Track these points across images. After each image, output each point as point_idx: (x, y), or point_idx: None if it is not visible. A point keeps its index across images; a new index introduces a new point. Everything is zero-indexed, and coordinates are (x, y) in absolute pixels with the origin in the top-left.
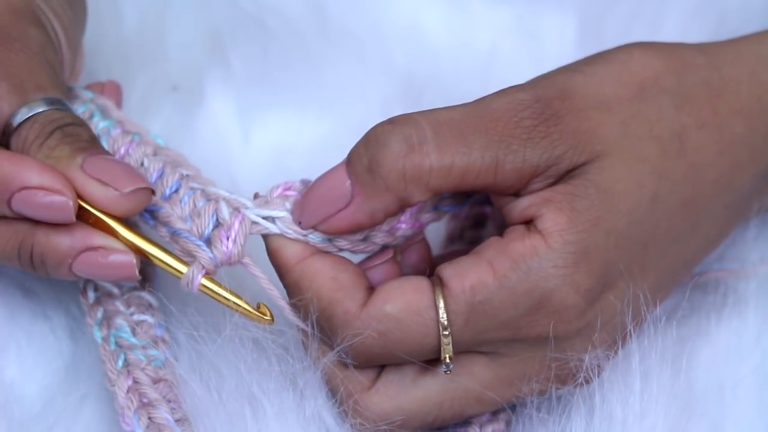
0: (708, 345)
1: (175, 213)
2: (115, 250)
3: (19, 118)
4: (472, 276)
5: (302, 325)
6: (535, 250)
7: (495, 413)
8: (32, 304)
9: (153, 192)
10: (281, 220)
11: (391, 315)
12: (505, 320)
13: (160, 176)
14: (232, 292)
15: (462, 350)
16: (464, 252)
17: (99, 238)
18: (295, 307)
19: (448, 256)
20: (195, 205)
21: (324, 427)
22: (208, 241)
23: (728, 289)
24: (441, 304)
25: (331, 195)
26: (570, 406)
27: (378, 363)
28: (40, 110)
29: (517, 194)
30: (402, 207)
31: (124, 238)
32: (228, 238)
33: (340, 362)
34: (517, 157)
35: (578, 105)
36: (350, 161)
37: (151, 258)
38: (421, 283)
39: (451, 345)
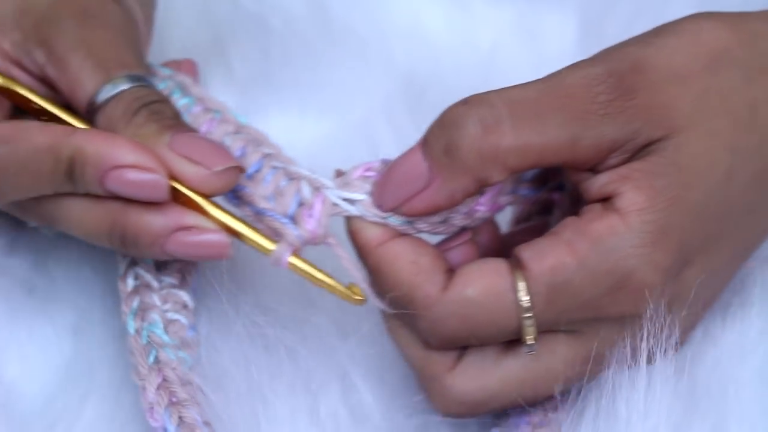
0: (712, 345)
1: (258, 192)
2: (208, 229)
3: (103, 96)
4: (551, 257)
5: (384, 307)
6: (613, 230)
7: (548, 416)
8: (34, 302)
9: (242, 170)
10: (361, 203)
11: (472, 299)
12: (585, 300)
13: (242, 155)
14: (321, 271)
15: (543, 330)
16: (534, 229)
17: (191, 218)
18: (378, 290)
19: (517, 235)
20: (278, 185)
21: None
22: (293, 220)
23: (733, 290)
24: (521, 286)
25: (409, 178)
26: (575, 403)
27: (460, 345)
28: (125, 87)
29: (593, 170)
30: (480, 188)
31: (214, 217)
32: (311, 217)
33: (422, 344)
34: (595, 133)
35: (652, 78)
36: (427, 144)
37: (241, 236)
38: (501, 266)
39: (533, 327)
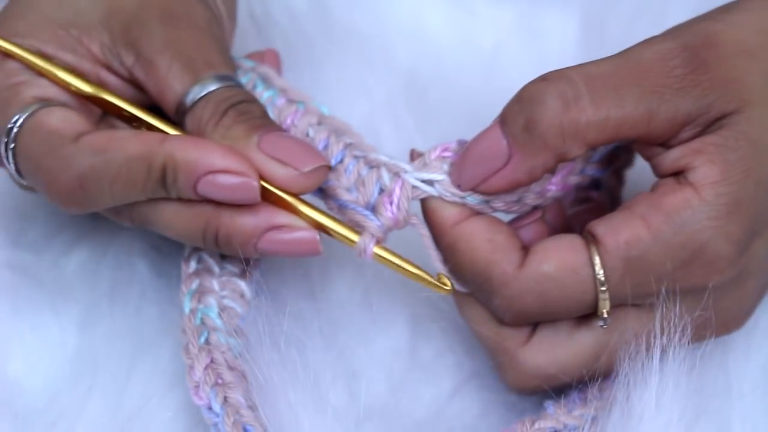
0: (719, 344)
1: (341, 184)
2: (298, 227)
3: (192, 97)
4: (625, 231)
5: (460, 287)
6: (688, 203)
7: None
8: (38, 296)
9: (330, 168)
10: (440, 183)
11: (548, 274)
12: (660, 273)
13: (326, 146)
14: (406, 260)
15: (616, 304)
16: (595, 209)
17: (282, 217)
18: (452, 268)
19: (582, 214)
20: (359, 174)
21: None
22: (374, 209)
23: None
24: (597, 260)
25: (489, 155)
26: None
27: (534, 321)
28: (213, 88)
29: (665, 145)
30: (559, 162)
31: (303, 213)
32: (392, 204)
33: (495, 321)
34: (670, 106)
35: (723, 53)
36: (505, 121)
37: (329, 231)
38: (575, 241)
39: (608, 300)
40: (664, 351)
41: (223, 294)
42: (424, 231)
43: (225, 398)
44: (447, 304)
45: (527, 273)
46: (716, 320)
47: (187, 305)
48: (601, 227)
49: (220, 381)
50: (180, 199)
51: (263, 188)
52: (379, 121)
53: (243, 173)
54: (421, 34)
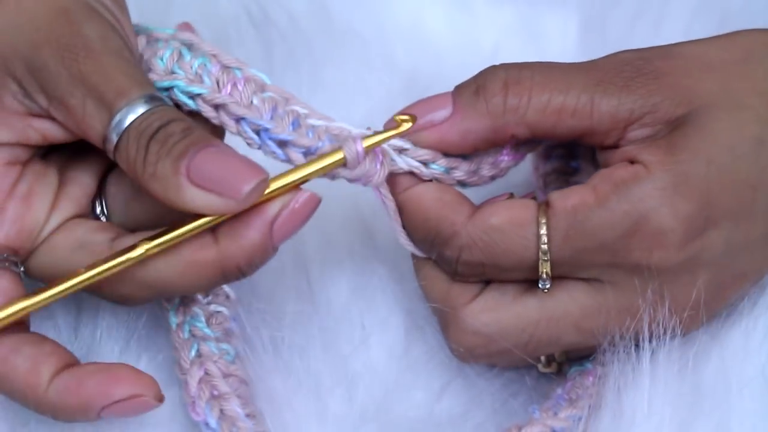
0: (717, 345)
1: (303, 142)
2: (289, 203)
3: (114, 135)
4: (575, 197)
5: (413, 249)
6: (636, 176)
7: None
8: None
9: (266, 178)
10: (406, 153)
11: (495, 226)
12: (602, 241)
13: (272, 116)
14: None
15: (563, 273)
16: None
17: (274, 206)
18: (408, 230)
19: None
20: (320, 139)
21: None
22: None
23: None
24: (543, 220)
25: (432, 109)
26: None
27: (482, 277)
28: (130, 121)
29: (616, 146)
30: (495, 139)
31: (285, 186)
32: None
33: (446, 279)
34: (612, 100)
35: (680, 63)
36: (458, 87)
37: (311, 175)
38: (528, 202)
39: (549, 262)
40: (653, 352)
41: (207, 300)
42: (389, 199)
43: (221, 411)
44: None
45: (475, 223)
46: (669, 312)
47: (173, 320)
48: (555, 194)
49: (215, 393)
50: (173, 259)
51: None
52: (380, 121)
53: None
54: (421, 34)
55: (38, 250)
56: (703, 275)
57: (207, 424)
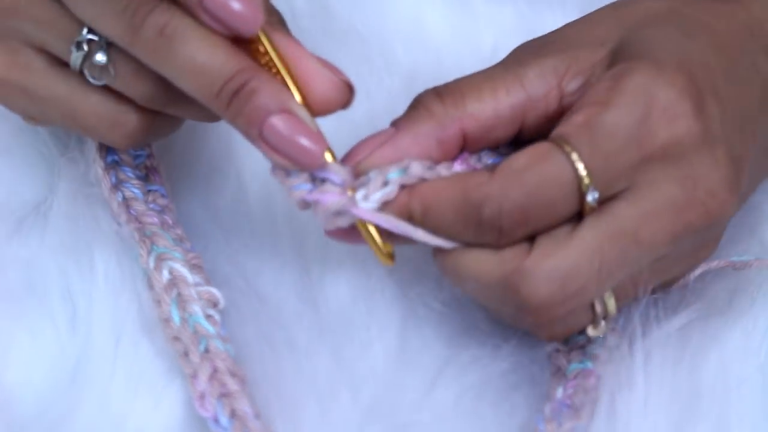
0: (716, 344)
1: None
2: (313, 131)
3: None
4: (579, 116)
5: (448, 243)
6: (622, 75)
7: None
8: (37, 303)
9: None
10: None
11: (522, 167)
12: (625, 134)
13: None
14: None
15: (602, 188)
16: None
17: (306, 115)
18: (434, 225)
19: None
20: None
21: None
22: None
23: (737, 288)
24: (562, 142)
25: (379, 134)
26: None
27: (527, 228)
28: None
29: (563, 106)
30: (446, 139)
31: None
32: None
33: (489, 253)
34: (533, 67)
35: (569, 30)
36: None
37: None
38: (539, 143)
39: (588, 174)
40: (649, 352)
41: (201, 303)
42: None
43: (232, 410)
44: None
45: (502, 174)
46: (704, 191)
47: (176, 314)
48: (555, 129)
49: (224, 391)
50: (218, 37)
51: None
52: (379, 122)
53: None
54: (421, 33)
55: None
56: (720, 148)
57: (217, 421)
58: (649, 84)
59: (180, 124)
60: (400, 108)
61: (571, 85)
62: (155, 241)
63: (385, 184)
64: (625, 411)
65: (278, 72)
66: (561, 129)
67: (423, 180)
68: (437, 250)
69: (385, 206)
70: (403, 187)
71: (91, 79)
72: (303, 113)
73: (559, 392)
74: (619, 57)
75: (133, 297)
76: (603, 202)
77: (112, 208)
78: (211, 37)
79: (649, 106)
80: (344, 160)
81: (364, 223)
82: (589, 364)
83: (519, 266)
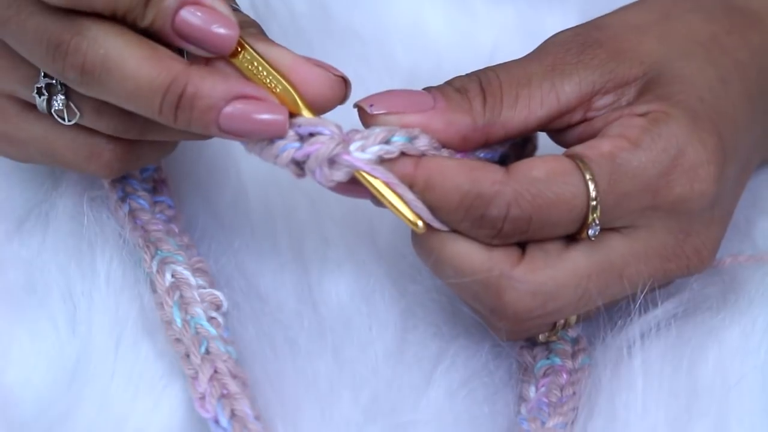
0: (715, 344)
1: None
2: (268, 104)
3: None
4: (607, 145)
5: (439, 225)
6: (658, 119)
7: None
8: (36, 304)
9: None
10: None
11: (540, 177)
12: (645, 181)
13: None
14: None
15: (602, 223)
16: None
17: (253, 89)
18: (434, 204)
19: None
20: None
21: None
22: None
23: (735, 288)
24: (585, 167)
25: (415, 98)
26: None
27: (524, 236)
28: None
29: (585, 120)
30: (471, 139)
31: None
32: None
33: (483, 249)
34: (572, 79)
35: (613, 32)
36: (436, 87)
37: (307, 110)
38: (559, 156)
39: (599, 206)
40: (647, 353)
41: (203, 306)
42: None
43: (232, 411)
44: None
45: (518, 178)
46: (691, 247)
47: (178, 316)
48: (579, 147)
49: (225, 392)
50: (149, 43)
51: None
52: None
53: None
54: (421, 34)
55: None
56: (720, 209)
57: (217, 422)
58: (682, 138)
59: (171, 147)
60: None
61: (601, 102)
62: (159, 245)
63: (387, 142)
64: (624, 411)
65: (273, 79)
66: (586, 151)
67: (423, 155)
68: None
69: (382, 164)
70: (402, 154)
71: (60, 121)
72: (250, 88)
73: (532, 391)
74: (653, 86)
75: (135, 298)
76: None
77: (118, 219)
78: (132, 52)
79: (676, 161)
80: (366, 99)
81: (362, 175)
82: (557, 360)
83: (507, 272)
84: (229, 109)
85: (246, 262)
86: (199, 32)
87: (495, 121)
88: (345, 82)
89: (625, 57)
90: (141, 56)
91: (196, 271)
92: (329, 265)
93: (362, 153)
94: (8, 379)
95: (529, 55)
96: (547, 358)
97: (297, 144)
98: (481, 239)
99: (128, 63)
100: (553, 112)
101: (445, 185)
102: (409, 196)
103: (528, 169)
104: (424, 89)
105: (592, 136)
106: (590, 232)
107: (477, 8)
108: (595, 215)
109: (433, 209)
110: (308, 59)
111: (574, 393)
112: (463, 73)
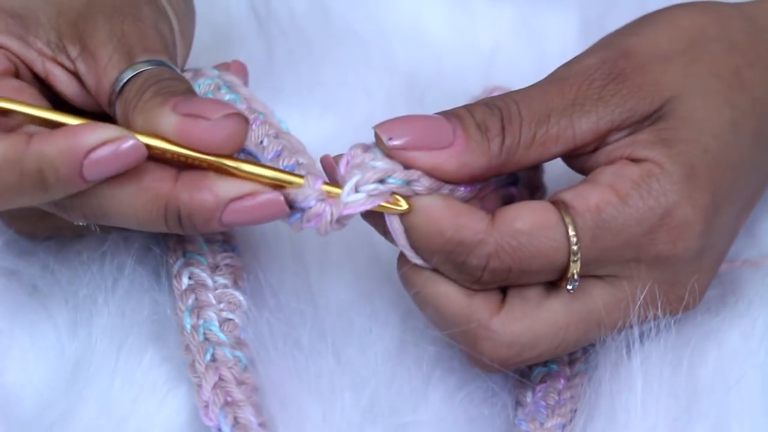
0: (715, 345)
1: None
2: (259, 192)
3: (121, 81)
4: (595, 196)
5: (424, 263)
6: (651, 172)
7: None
8: (36, 304)
9: (246, 120)
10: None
11: (523, 230)
12: (628, 238)
13: (276, 156)
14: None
15: (584, 273)
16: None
17: (240, 186)
18: (416, 244)
19: None
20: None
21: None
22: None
23: (735, 290)
24: (569, 220)
25: (435, 130)
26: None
27: (504, 283)
28: (143, 69)
29: (596, 149)
30: (483, 177)
31: (243, 171)
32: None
33: (464, 294)
34: (591, 117)
35: (640, 61)
36: (458, 116)
37: (276, 180)
38: (546, 204)
39: (579, 261)
40: (646, 354)
41: (221, 307)
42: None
43: (235, 419)
44: None
45: (501, 229)
46: (675, 295)
47: (188, 322)
48: (568, 194)
49: (229, 399)
50: (133, 182)
51: (201, 160)
52: (379, 121)
53: (117, 138)
54: (421, 34)
55: None
56: (706, 259)
57: (220, 430)
58: (671, 197)
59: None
60: (400, 108)
61: (616, 136)
62: (186, 247)
63: (381, 182)
64: (624, 412)
65: (187, 157)
66: (573, 202)
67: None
68: (405, 262)
69: (373, 198)
70: (393, 194)
71: None
72: (228, 186)
73: (529, 396)
74: (663, 122)
75: (144, 305)
76: (581, 276)
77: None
78: (123, 192)
79: (662, 220)
80: (385, 125)
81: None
82: (554, 367)
83: (485, 323)
84: (227, 214)
85: (246, 262)
86: (109, 163)
87: (509, 161)
88: (236, 117)
89: (647, 91)
90: (131, 194)
91: (215, 269)
92: (330, 267)
93: (356, 194)
94: (8, 379)
95: (552, 81)
96: (544, 365)
97: (299, 215)
98: (461, 283)
99: (124, 209)
100: (567, 149)
101: (429, 228)
102: (401, 240)
103: (512, 219)
104: (444, 114)
105: (599, 164)
106: (569, 286)
107: (477, 8)
108: (574, 270)
109: (416, 247)
110: (191, 117)
111: (571, 397)
112: (463, 74)
